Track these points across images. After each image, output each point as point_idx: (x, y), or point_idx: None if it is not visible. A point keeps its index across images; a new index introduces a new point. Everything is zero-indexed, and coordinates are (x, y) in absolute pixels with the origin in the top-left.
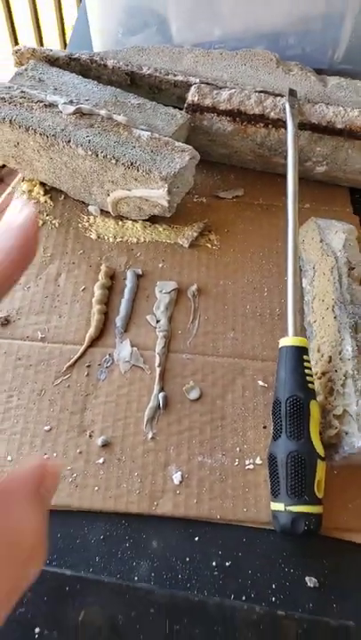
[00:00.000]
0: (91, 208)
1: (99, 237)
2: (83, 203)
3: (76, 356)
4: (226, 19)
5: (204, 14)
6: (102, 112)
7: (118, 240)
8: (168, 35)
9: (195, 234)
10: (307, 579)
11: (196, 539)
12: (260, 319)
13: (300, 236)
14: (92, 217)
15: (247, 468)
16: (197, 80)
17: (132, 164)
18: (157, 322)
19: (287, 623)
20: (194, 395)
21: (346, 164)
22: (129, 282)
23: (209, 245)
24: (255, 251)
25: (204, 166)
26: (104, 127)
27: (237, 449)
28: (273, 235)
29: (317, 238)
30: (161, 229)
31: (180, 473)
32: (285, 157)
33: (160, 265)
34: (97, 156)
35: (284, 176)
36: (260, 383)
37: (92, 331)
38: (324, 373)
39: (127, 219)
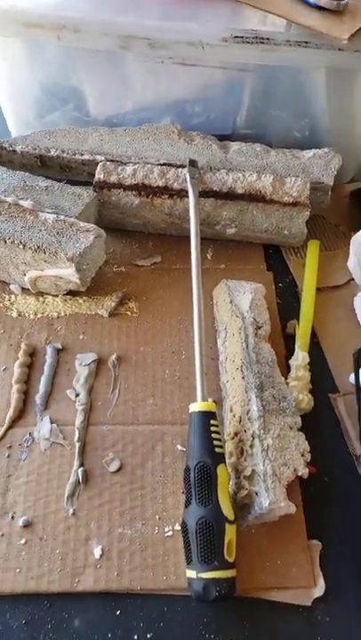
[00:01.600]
0: (12, 287)
1: (20, 315)
2: (4, 282)
3: None
4: (137, 91)
5: (118, 88)
6: (9, 199)
7: (39, 316)
8: (85, 110)
9: (113, 303)
10: None
11: (118, 612)
12: (179, 382)
13: (214, 297)
14: (12, 295)
15: (166, 535)
16: (103, 158)
17: (38, 247)
18: (77, 395)
19: None
20: (114, 466)
21: (253, 224)
22: (49, 357)
23: (128, 313)
24: (173, 315)
25: (122, 236)
26: (11, 214)
27: (157, 517)
28: (190, 298)
29: (227, 300)
30: (81, 301)
31: (100, 547)
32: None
33: (81, 337)
34: (5, 242)
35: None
36: (179, 447)
37: (10, 411)
38: (236, 434)
39: (48, 294)
